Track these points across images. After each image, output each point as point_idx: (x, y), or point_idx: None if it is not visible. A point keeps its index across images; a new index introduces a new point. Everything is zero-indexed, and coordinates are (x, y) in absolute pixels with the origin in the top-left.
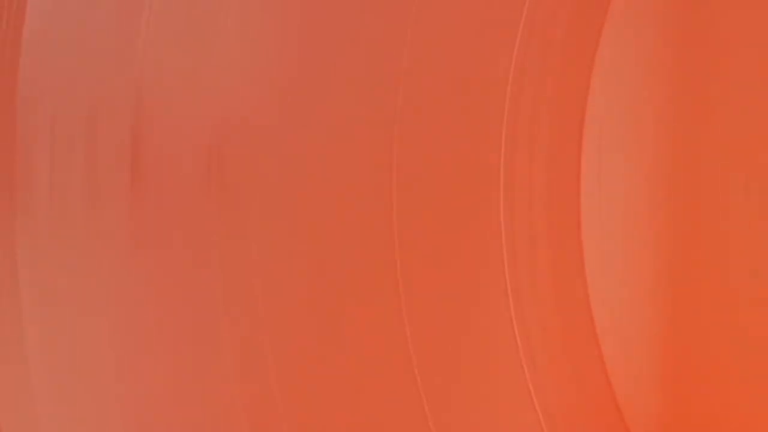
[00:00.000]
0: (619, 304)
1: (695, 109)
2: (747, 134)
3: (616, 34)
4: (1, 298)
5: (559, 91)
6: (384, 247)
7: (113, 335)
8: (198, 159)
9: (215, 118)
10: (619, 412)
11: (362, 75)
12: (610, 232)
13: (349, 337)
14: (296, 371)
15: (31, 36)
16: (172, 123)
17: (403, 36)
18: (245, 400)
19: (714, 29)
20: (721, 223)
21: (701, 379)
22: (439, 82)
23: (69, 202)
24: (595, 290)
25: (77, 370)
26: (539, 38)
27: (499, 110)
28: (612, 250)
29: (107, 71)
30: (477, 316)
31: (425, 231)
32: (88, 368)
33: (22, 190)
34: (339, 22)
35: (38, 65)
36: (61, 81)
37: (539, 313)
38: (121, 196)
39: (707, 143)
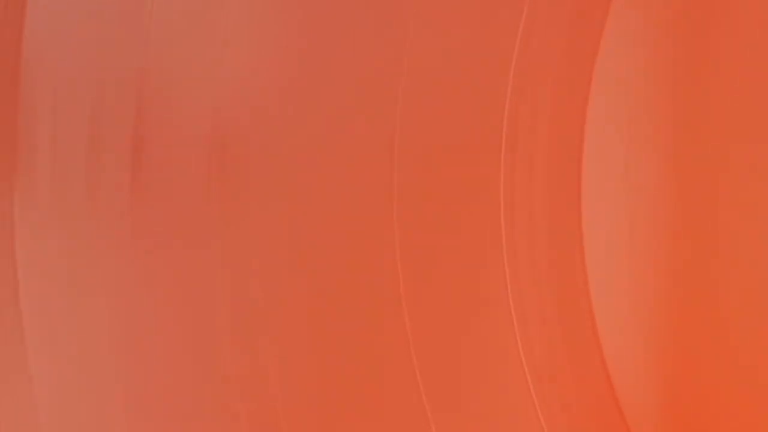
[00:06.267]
0: (620, 304)
1: (696, 111)
2: (748, 135)
3: (616, 34)
4: (1, 297)
5: (560, 91)
6: (385, 247)
7: (113, 331)
8: (199, 153)
9: (217, 114)
10: (619, 412)
11: (363, 72)
12: (610, 233)
13: (350, 337)
14: (296, 370)
15: (32, 30)
16: (174, 117)
17: (405, 33)
18: (245, 396)
19: (715, 30)
20: (722, 223)
21: (701, 380)
22: (440, 80)
23: (70, 195)
24: (595, 290)
25: (76, 366)
26: (539, 38)
27: (500, 109)
28: (612, 251)
29: (110, 65)
30: (477, 316)
31: (426, 230)
32: (87, 363)
33: (23, 183)
34: (341, 19)
35: (40, 57)
36: (63, 74)
37: (540, 313)
38: (122, 191)
39: (708, 144)
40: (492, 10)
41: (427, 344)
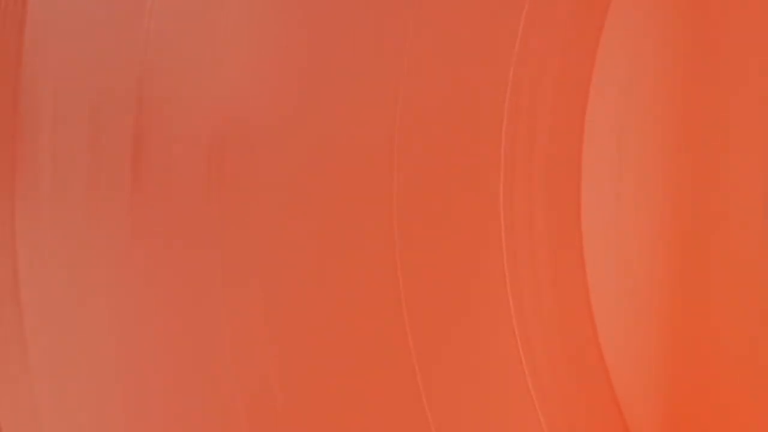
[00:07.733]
0: (620, 305)
1: (697, 110)
2: (748, 137)
3: (616, 34)
4: (1, 296)
5: (560, 91)
6: (384, 245)
7: (113, 330)
8: (199, 154)
9: (216, 115)
10: (619, 412)
11: (363, 74)
12: (610, 233)
13: (350, 337)
14: (295, 368)
15: (33, 31)
16: (174, 119)
17: (404, 36)
18: (244, 395)
19: (714, 28)
20: (722, 224)
21: (701, 380)
22: (440, 81)
23: (70, 196)
24: (595, 291)
25: (77, 366)
26: (539, 38)
27: (499, 109)
28: (612, 251)
29: (110, 67)
30: (477, 317)
31: (425, 230)
32: (87, 363)
33: (23, 185)
34: (341, 22)
35: (41, 59)
36: (63, 77)
37: (540, 314)
38: (122, 192)
39: (709, 143)
40: (492, 10)
41: (426, 343)
